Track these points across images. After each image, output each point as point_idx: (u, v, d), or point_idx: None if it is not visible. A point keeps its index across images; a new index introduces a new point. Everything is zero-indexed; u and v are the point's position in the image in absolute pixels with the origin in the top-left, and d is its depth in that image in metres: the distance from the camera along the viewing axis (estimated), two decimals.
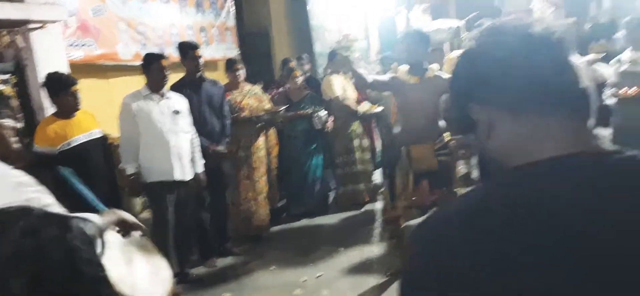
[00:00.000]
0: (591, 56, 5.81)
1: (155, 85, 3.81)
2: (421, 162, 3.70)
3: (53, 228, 0.70)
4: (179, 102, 3.96)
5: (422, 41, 3.79)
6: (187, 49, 4.31)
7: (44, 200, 1.67)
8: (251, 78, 6.33)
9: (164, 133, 3.78)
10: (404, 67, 3.83)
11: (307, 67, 6.27)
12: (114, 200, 3.87)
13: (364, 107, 5.56)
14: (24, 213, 0.72)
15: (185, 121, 3.96)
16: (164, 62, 3.82)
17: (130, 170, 3.74)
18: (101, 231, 0.77)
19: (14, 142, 1.79)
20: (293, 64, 5.64)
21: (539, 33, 0.80)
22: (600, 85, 4.88)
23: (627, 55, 4.28)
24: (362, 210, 5.50)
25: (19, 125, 2.00)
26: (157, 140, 3.76)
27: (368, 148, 5.69)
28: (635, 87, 4.12)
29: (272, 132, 5.19)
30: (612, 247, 0.66)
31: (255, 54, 7.38)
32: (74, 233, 0.72)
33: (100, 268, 0.74)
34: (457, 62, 0.91)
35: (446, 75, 3.82)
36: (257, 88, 5.10)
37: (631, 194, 0.70)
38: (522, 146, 0.79)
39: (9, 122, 1.73)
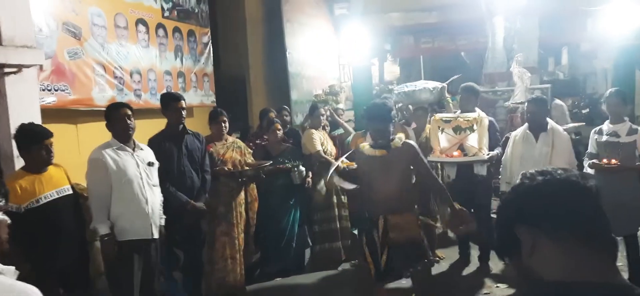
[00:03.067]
0: (571, 125, 5.99)
1: (122, 136, 3.61)
2: (401, 231, 3.54)
3: None
4: (150, 153, 3.80)
5: (386, 116, 3.59)
6: (169, 101, 4.18)
7: None
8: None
9: (141, 188, 3.59)
10: (365, 144, 3.76)
11: (287, 118, 6.20)
12: (83, 260, 3.67)
13: (344, 163, 5.49)
14: None
15: (156, 174, 3.79)
16: (126, 111, 3.63)
17: (103, 229, 3.50)
18: None
19: None
20: (273, 114, 5.57)
21: (581, 183, 1.02)
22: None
23: (607, 127, 4.38)
24: (339, 268, 5.38)
25: None
26: (134, 196, 3.56)
27: (347, 204, 5.60)
28: (614, 159, 4.22)
29: (253, 186, 5.04)
30: None
31: (231, 100, 7.28)
32: None
33: None
34: (510, 194, 1.13)
35: (413, 143, 3.83)
36: (240, 142, 5.01)
37: None
38: (559, 267, 0.99)
39: None
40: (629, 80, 10.46)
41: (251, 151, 5.05)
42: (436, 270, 5.19)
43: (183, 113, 4.15)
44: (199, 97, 6.39)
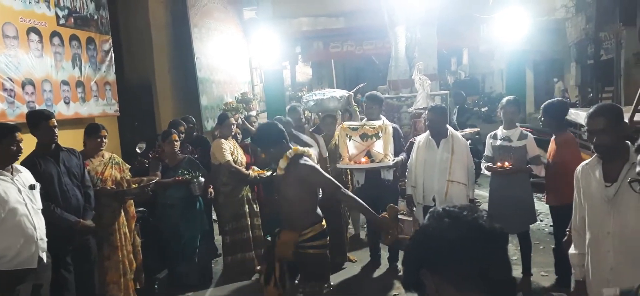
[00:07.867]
0: (468, 130, 6.37)
1: (5, 160, 3.33)
2: (281, 248, 3.54)
3: None
4: (30, 175, 3.53)
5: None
6: (39, 119, 3.88)
7: None
8: (133, 135, 5.96)
9: (27, 215, 3.32)
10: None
11: (192, 126, 6.09)
12: None
13: (254, 171, 5.48)
14: None
15: (39, 196, 3.54)
16: (18, 136, 3.38)
17: None
18: None
19: None
20: (182, 128, 5.43)
21: (487, 228, 1.01)
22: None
23: (501, 132, 4.70)
24: (253, 278, 5.35)
25: None
26: (19, 225, 3.27)
27: (259, 213, 5.58)
28: (506, 162, 4.53)
29: (131, 203, 4.75)
30: None
31: (137, 108, 7.01)
32: None
33: None
34: (417, 234, 1.11)
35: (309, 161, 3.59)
36: (118, 157, 4.75)
37: None
38: None
39: None
40: (520, 79, 11.49)
41: (129, 167, 4.83)
42: (349, 272, 5.36)
43: (55, 131, 3.90)
44: (100, 107, 6.07)
